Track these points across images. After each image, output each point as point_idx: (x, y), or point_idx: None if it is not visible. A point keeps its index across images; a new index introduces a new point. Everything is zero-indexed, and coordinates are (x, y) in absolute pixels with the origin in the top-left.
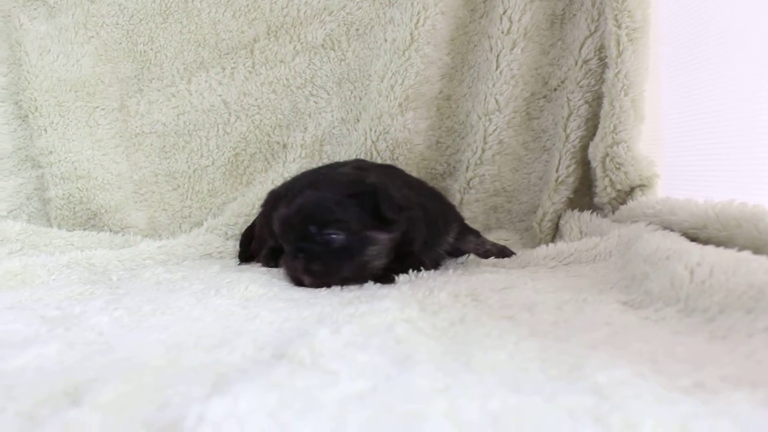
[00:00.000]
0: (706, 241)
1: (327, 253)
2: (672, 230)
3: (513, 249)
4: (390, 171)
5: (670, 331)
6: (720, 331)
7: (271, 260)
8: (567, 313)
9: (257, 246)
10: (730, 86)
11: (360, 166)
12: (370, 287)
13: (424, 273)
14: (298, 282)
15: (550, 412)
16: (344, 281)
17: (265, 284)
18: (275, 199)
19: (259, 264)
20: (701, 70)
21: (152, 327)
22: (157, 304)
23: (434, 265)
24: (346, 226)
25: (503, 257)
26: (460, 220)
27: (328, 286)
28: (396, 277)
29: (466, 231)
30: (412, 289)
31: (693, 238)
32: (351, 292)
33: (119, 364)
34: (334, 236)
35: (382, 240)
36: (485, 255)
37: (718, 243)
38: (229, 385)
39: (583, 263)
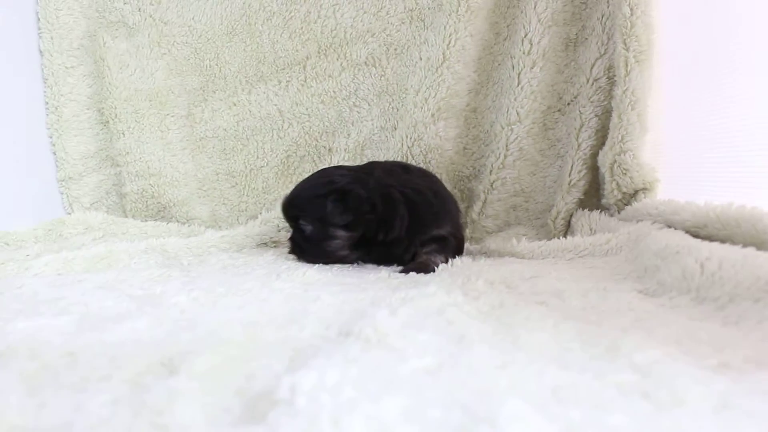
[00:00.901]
0: (706, 239)
1: (301, 238)
2: (675, 229)
3: (529, 241)
4: (394, 170)
5: (686, 317)
6: (732, 318)
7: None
8: (593, 299)
9: None
10: (726, 101)
11: (372, 166)
12: (413, 275)
13: (459, 262)
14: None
15: (603, 388)
16: (317, 262)
17: (319, 271)
18: None
19: None
20: (700, 86)
21: (227, 306)
22: (227, 286)
23: (412, 258)
24: (313, 219)
25: (416, 272)
26: (447, 227)
27: (310, 262)
28: (436, 267)
29: (432, 240)
30: (451, 277)
31: (694, 236)
32: (396, 279)
33: (205, 339)
34: (303, 227)
35: (342, 236)
36: (413, 263)
37: (718, 241)
38: (307, 360)
39: (596, 256)
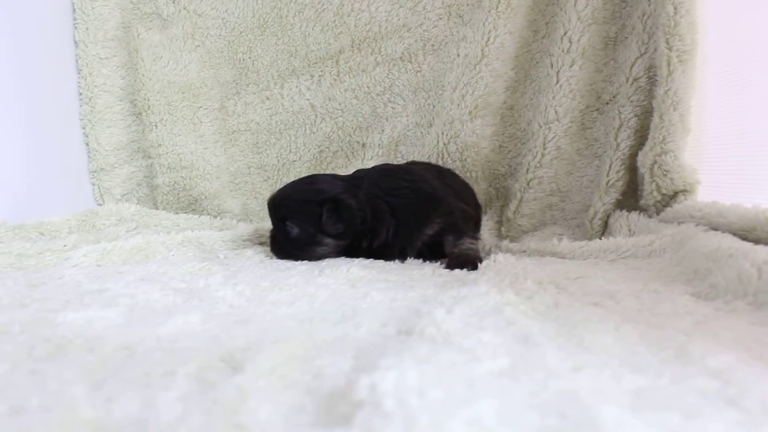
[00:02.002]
0: (755, 243)
1: (283, 239)
2: (721, 231)
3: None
4: (385, 169)
5: (746, 322)
6: None
7: None
8: (646, 301)
9: None
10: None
11: (377, 169)
12: (457, 273)
13: (502, 260)
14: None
15: (684, 393)
16: (292, 259)
17: (363, 267)
18: None
19: None
20: (744, 86)
21: (276, 302)
22: (271, 280)
23: (414, 253)
24: (302, 223)
25: (461, 268)
26: (449, 217)
27: (288, 259)
28: (480, 265)
29: (449, 229)
30: (498, 276)
31: (741, 240)
32: (441, 277)
33: (262, 335)
34: (290, 228)
35: (329, 244)
36: (450, 258)
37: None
38: (376, 359)
39: (639, 258)
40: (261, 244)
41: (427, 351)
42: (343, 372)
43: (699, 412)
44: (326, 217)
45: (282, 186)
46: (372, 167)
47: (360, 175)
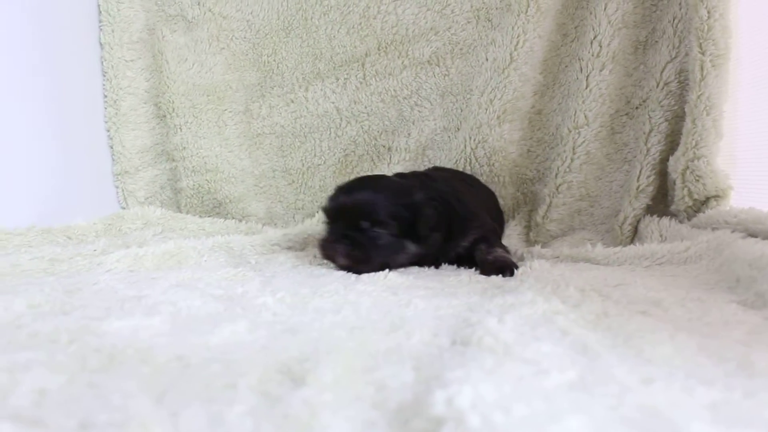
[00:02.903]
0: None
1: (370, 245)
2: (757, 238)
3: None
4: (430, 176)
5: None
6: None
7: None
8: (694, 310)
9: None
10: None
11: (429, 175)
12: (494, 279)
13: (537, 266)
14: (330, 259)
15: (761, 408)
16: (369, 270)
17: (400, 274)
18: None
19: None
20: None
21: (320, 309)
22: (310, 287)
23: (450, 262)
24: (388, 228)
25: (499, 273)
26: (481, 229)
27: (358, 272)
28: (516, 271)
29: (481, 240)
30: (539, 283)
31: None
32: (479, 284)
33: (314, 345)
34: (380, 234)
35: (412, 250)
36: (485, 264)
37: None
38: (441, 371)
39: (674, 264)
40: (289, 248)
41: (492, 363)
42: (407, 384)
43: None
44: (422, 224)
45: (345, 185)
46: (411, 173)
47: (413, 181)
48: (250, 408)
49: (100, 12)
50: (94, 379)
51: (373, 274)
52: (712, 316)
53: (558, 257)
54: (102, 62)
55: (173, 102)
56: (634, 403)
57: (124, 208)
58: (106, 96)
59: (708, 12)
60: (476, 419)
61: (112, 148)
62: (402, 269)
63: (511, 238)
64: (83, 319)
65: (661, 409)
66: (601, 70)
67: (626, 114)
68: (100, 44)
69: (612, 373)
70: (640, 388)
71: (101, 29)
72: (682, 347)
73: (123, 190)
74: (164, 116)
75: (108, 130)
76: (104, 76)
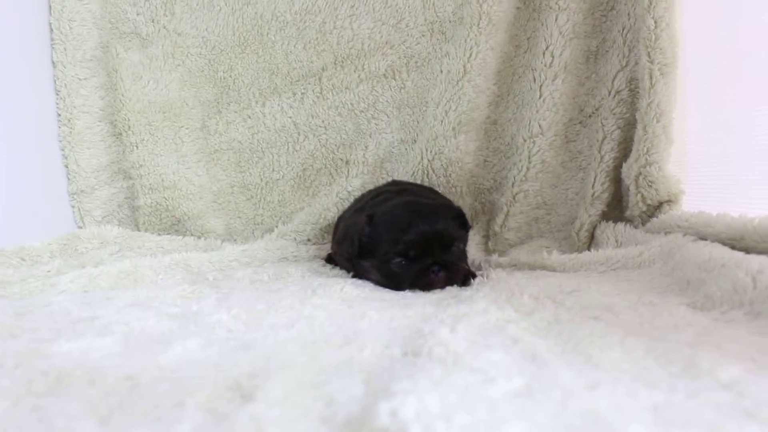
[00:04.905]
0: (744, 252)
1: (451, 261)
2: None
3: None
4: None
5: (746, 332)
6: None
7: None
8: (645, 314)
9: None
10: (747, 112)
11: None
12: (451, 290)
13: (494, 275)
14: (428, 289)
15: (702, 408)
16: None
17: (356, 286)
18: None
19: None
20: (724, 98)
21: (274, 325)
22: (265, 302)
23: None
24: (463, 241)
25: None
26: None
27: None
28: (472, 280)
29: None
30: (494, 292)
31: (730, 249)
32: (435, 294)
33: (266, 361)
34: (458, 248)
35: (467, 251)
36: None
37: (755, 254)
38: (389, 383)
39: (629, 269)
40: (247, 264)
41: (440, 373)
42: (356, 398)
43: (721, 427)
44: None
45: (409, 205)
46: (384, 185)
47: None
48: (195, 426)
49: (52, 30)
50: (39, 403)
51: (328, 287)
52: (662, 319)
53: (515, 265)
54: (55, 81)
55: (129, 120)
56: (577, 409)
57: (80, 228)
58: (59, 115)
59: (655, 22)
60: (417, 429)
61: (67, 167)
62: (361, 281)
63: (470, 247)
64: (32, 342)
65: (603, 414)
66: (553, 80)
67: (580, 122)
68: (53, 63)
69: (558, 379)
70: (584, 394)
71: (53, 47)
72: (630, 351)
73: (79, 210)
74: (120, 134)
75: (63, 149)
76: (57, 94)
